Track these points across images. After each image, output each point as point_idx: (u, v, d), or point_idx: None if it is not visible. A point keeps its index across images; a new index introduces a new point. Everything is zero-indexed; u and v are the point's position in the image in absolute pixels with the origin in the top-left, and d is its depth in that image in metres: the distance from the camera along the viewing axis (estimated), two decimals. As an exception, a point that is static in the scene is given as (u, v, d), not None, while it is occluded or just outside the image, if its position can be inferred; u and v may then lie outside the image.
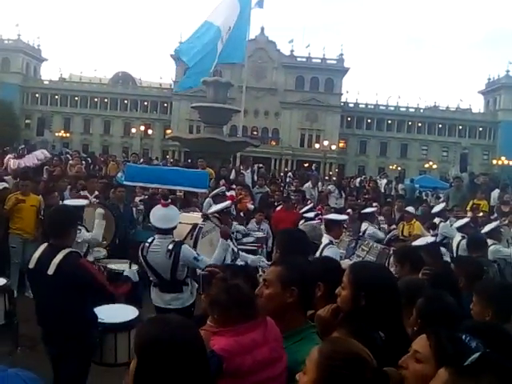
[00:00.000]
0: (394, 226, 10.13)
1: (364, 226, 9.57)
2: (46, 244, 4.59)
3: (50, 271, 4.28)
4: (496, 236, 8.22)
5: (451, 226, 9.30)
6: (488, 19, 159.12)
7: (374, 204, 12.62)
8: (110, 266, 7.14)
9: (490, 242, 7.86)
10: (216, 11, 22.17)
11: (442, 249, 7.81)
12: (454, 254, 8.24)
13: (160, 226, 6.05)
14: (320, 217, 9.00)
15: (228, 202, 8.14)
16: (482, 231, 8.49)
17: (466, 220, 9.34)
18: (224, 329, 2.69)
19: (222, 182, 13.95)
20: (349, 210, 10.71)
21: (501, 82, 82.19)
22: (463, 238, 8.31)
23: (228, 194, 11.15)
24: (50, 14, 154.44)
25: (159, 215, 6.15)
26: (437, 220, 9.78)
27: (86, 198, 10.09)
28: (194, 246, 6.31)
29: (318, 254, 6.26)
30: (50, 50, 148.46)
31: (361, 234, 9.36)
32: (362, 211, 10.38)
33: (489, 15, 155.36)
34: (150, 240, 6.06)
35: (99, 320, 4.62)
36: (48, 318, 4.43)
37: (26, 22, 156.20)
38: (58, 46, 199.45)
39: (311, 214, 9.25)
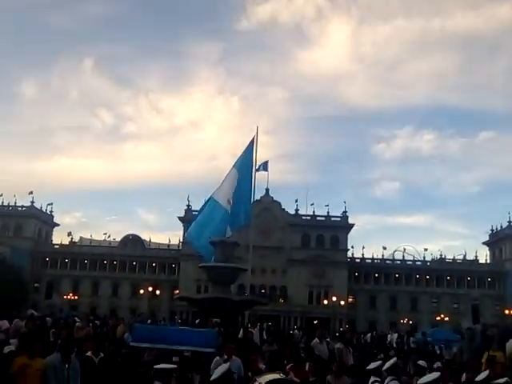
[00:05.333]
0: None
1: (372, 378, 9.31)
2: None
3: None
4: None
5: None
6: (484, 172, 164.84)
7: (379, 357, 12.38)
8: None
9: None
10: (221, 189, 24.14)
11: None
12: None
13: None
14: None
15: (226, 365, 7.90)
16: None
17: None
18: None
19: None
20: None
21: (504, 232, 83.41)
22: None
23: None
24: (63, 179, 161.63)
25: None
26: None
27: (91, 359, 10.03)
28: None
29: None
30: (63, 214, 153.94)
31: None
32: (367, 367, 10.10)
33: (485, 168, 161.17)
34: None
35: None
36: None
37: (40, 188, 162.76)
38: (71, 209, 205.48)
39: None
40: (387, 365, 9.25)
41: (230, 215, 23.81)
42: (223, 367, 7.51)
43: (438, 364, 12.53)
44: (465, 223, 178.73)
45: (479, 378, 8.91)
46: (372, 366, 9.79)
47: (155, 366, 7.90)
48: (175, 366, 8.67)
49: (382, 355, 14.49)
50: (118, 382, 10.01)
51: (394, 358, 10.64)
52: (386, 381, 8.99)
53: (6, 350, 9.70)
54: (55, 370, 9.00)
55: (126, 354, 11.16)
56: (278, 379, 4.54)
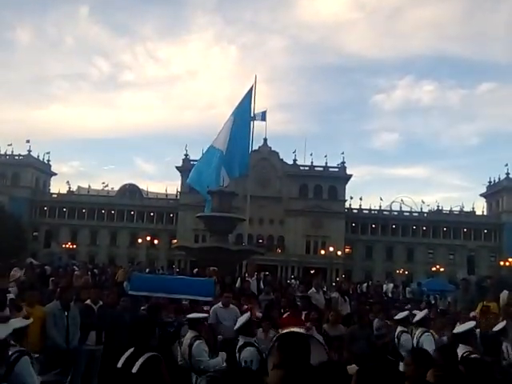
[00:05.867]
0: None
1: (399, 328, 9.42)
2: None
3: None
4: None
5: None
6: (484, 124, 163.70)
7: (407, 307, 12.55)
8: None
9: None
10: (220, 137, 24.28)
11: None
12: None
13: None
14: None
15: (247, 315, 8.04)
16: None
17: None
18: None
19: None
20: None
21: (502, 184, 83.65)
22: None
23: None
24: (60, 128, 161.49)
25: None
26: None
27: (90, 307, 10.12)
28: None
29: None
30: (60, 163, 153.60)
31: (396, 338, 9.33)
32: (395, 317, 10.17)
33: (485, 120, 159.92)
34: None
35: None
36: None
37: (37, 137, 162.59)
38: (68, 158, 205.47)
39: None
40: (418, 317, 9.26)
41: (225, 157, 23.91)
42: (245, 317, 7.68)
43: (473, 313, 12.53)
44: (463, 175, 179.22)
45: (497, 327, 8.87)
46: (399, 316, 9.86)
47: (188, 316, 8.03)
48: (207, 314, 8.83)
49: (410, 305, 14.60)
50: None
51: (425, 310, 10.67)
52: (418, 332, 8.95)
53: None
54: (55, 318, 9.11)
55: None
56: (292, 332, 4.49)
